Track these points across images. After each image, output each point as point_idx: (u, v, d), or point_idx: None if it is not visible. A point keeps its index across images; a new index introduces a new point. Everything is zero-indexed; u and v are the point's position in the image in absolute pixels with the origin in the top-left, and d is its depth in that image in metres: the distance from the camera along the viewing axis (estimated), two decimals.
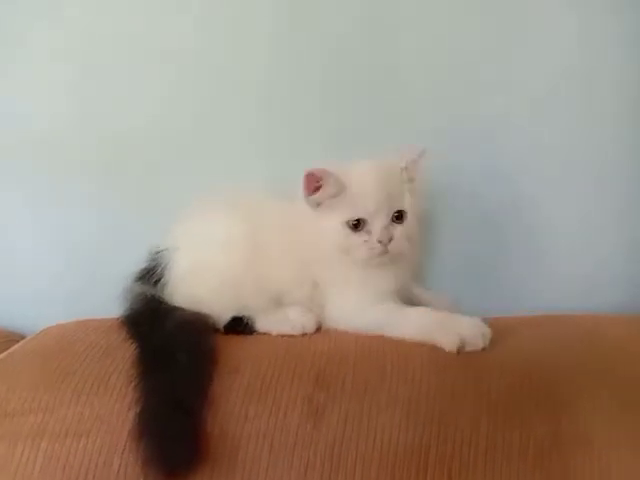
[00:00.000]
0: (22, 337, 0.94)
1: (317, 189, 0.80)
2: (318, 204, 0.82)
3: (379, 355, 0.75)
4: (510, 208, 1.02)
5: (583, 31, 0.98)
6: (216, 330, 0.81)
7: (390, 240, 0.79)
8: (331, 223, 0.81)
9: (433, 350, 0.75)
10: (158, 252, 0.85)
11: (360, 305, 0.81)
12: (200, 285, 0.81)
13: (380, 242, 0.79)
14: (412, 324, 0.78)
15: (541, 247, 1.03)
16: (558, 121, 1.00)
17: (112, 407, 0.71)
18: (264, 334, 0.82)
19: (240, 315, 0.82)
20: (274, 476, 0.66)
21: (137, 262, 0.87)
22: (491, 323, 0.77)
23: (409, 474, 0.65)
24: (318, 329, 0.83)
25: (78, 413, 0.71)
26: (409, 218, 0.82)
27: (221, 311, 0.82)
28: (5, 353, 0.84)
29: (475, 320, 0.76)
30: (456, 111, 1.00)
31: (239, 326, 0.82)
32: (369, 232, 0.80)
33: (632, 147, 1.00)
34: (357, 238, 0.80)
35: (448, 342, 0.74)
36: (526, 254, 1.03)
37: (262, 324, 0.82)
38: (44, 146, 1.04)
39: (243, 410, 0.69)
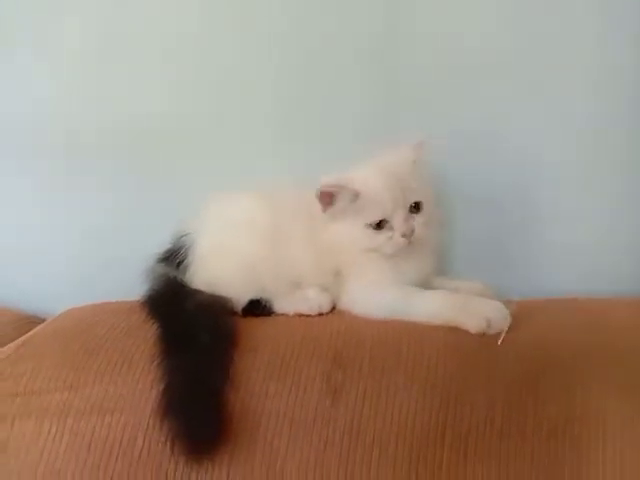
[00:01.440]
0: (42, 320, 0.96)
1: (331, 201, 0.82)
2: (336, 215, 0.83)
3: (395, 339, 0.76)
4: (513, 194, 1.02)
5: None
6: (234, 313, 0.83)
7: (412, 232, 0.81)
8: (353, 228, 0.83)
9: (448, 334, 0.76)
10: (183, 235, 0.86)
11: (380, 287, 0.82)
12: (221, 267, 0.83)
13: (404, 236, 0.81)
14: (434, 307, 0.78)
15: (544, 229, 1.02)
16: (561, 104, 1.00)
17: (135, 386, 0.73)
18: (281, 317, 0.84)
19: (258, 298, 0.84)
20: (294, 452, 0.68)
21: (151, 245, 0.87)
22: None
23: (426, 450, 0.67)
24: (332, 309, 0.85)
25: (102, 391, 0.73)
26: (425, 207, 0.84)
27: (240, 294, 0.83)
28: (27, 335, 0.85)
29: (497, 303, 0.76)
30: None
31: (257, 309, 0.83)
32: (391, 228, 0.82)
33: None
34: (381, 236, 0.82)
35: (474, 324, 0.74)
36: (530, 238, 1.03)
37: (280, 305, 0.84)
38: (59, 130, 1.06)
39: (264, 388, 0.71)
